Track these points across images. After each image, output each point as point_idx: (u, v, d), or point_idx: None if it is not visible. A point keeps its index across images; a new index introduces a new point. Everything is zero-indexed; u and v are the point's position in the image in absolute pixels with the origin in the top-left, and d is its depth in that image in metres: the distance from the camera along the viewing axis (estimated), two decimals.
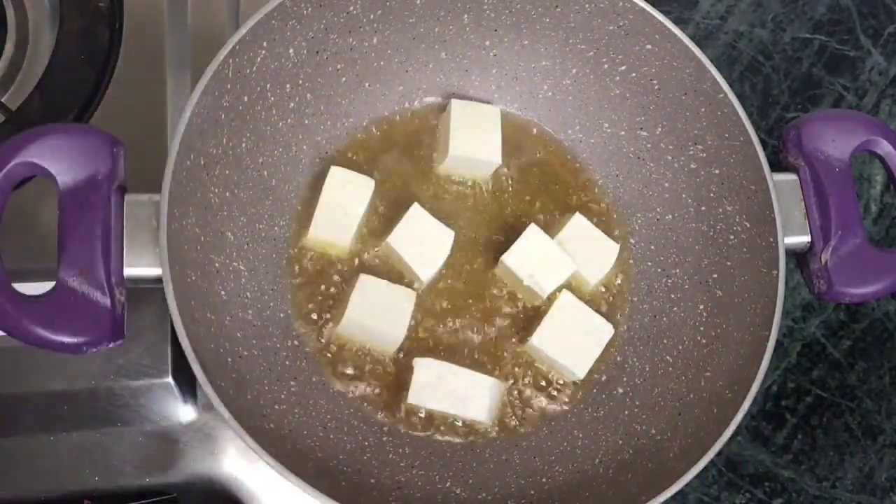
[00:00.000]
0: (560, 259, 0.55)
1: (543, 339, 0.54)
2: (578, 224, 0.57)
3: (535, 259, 0.55)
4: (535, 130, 0.61)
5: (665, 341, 0.56)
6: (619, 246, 0.57)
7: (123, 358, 0.52)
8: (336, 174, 0.55)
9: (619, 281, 0.58)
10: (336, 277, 0.55)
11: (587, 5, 0.56)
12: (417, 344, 0.54)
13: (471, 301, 0.56)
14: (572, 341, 0.54)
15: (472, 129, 0.57)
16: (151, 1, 0.61)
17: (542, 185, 0.59)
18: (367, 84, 0.58)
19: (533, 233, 0.55)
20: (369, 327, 0.52)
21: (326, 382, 0.53)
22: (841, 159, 0.54)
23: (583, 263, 0.56)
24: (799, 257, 0.55)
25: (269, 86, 0.53)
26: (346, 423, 0.52)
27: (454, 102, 0.57)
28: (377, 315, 0.52)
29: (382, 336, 0.53)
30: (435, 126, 0.59)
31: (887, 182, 0.73)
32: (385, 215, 0.56)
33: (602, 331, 0.55)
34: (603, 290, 0.58)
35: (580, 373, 0.54)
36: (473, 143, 0.57)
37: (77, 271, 0.44)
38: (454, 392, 0.52)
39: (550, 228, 0.57)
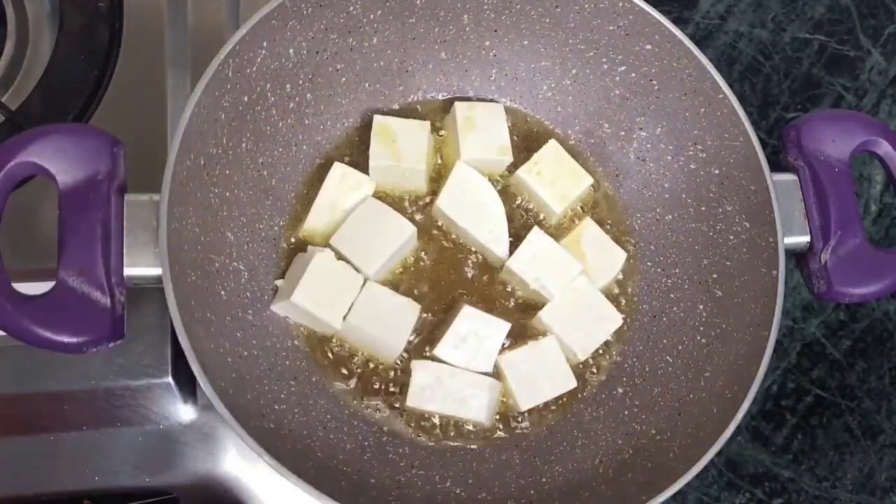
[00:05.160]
0: (565, 260, 0.55)
1: (552, 316, 0.54)
2: (588, 228, 0.57)
3: (540, 262, 0.55)
4: (535, 129, 0.61)
5: (665, 341, 0.56)
6: (626, 254, 0.57)
7: (123, 358, 0.52)
8: (338, 170, 0.55)
9: (619, 280, 0.58)
10: None
11: (587, 5, 0.56)
12: (419, 342, 0.54)
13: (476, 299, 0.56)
14: (580, 323, 0.55)
15: (479, 131, 0.57)
16: (151, 1, 0.61)
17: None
18: (367, 84, 0.58)
19: (536, 236, 0.55)
20: (369, 335, 0.52)
21: (326, 382, 0.53)
22: (841, 159, 0.54)
23: (589, 267, 0.56)
24: (799, 257, 0.55)
25: (269, 86, 0.53)
26: (346, 423, 0.52)
27: (458, 105, 0.57)
28: (378, 324, 0.52)
29: (381, 345, 0.53)
30: (438, 127, 0.59)
31: (887, 182, 0.73)
32: None
33: (611, 319, 0.55)
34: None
35: (581, 355, 0.55)
36: (483, 146, 0.57)
37: (77, 271, 0.44)
38: (452, 393, 0.52)
39: (560, 232, 0.57)
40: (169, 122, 0.57)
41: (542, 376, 0.54)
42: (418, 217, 0.57)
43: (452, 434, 0.53)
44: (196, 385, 0.56)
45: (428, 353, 0.54)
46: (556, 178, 0.57)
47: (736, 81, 0.75)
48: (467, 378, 0.52)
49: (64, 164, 0.45)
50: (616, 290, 0.58)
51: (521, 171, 0.57)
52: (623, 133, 0.59)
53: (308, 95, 0.56)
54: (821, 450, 0.66)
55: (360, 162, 0.56)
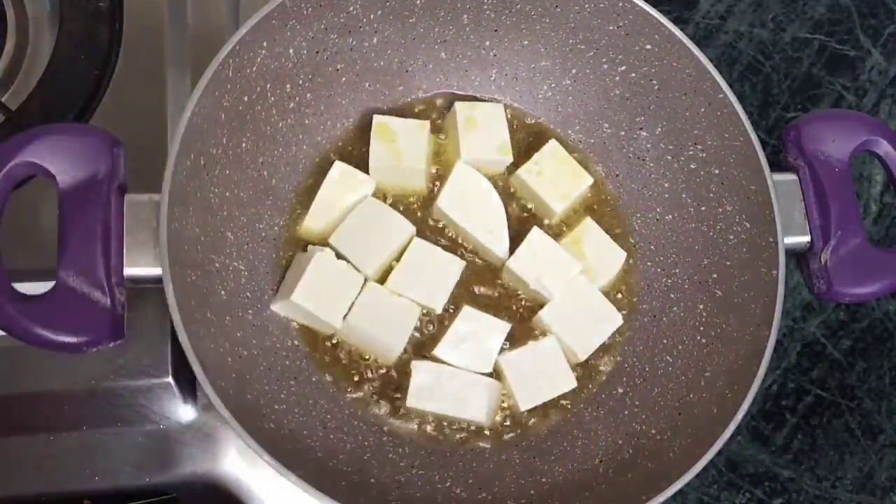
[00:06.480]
0: (565, 260, 0.55)
1: (552, 316, 0.54)
2: (588, 228, 0.57)
3: (540, 262, 0.55)
4: (535, 130, 0.61)
5: (665, 341, 0.56)
6: (626, 254, 0.57)
7: (123, 358, 0.52)
8: (338, 170, 0.55)
9: (619, 280, 0.58)
10: None
11: (587, 5, 0.56)
12: (419, 342, 0.54)
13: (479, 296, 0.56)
14: (580, 323, 0.55)
15: (480, 131, 0.57)
16: (151, 1, 0.61)
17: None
18: (367, 84, 0.58)
19: (536, 236, 0.55)
20: (369, 335, 0.52)
21: (326, 382, 0.53)
22: (841, 159, 0.54)
23: (589, 267, 0.56)
24: (799, 257, 0.55)
25: (269, 86, 0.53)
26: (346, 423, 0.52)
27: (458, 105, 0.57)
28: (378, 324, 0.52)
29: (380, 345, 0.53)
30: (438, 127, 0.59)
31: (887, 182, 0.73)
32: None
33: (611, 319, 0.55)
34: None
35: (581, 355, 0.55)
36: (483, 145, 0.57)
37: (77, 271, 0.44)
38: (452, 394, 0.52)
39: (560, 232, 0.57)
40: (169, 122, 0.57)
41: (542, 376, 0.54)
42: (418, 217, 0.57)
43: (452, 434, 0.53)
44: (196, 385, 0.55)
45: (428, 354, 0.54)
46: (556, 178, 0.57)
47: (736, 81, 0.75)
48: (467, 378, 0.52)
49: (64, 164, 0.45)
50: (616, 291, 0.58)
51: (521, 171, 0.57)
52: (623, 133, 0.59)
53: (308, 95, 0.56)
54: (821, 450, 0.66)
55: (360, 162, 0.56)
